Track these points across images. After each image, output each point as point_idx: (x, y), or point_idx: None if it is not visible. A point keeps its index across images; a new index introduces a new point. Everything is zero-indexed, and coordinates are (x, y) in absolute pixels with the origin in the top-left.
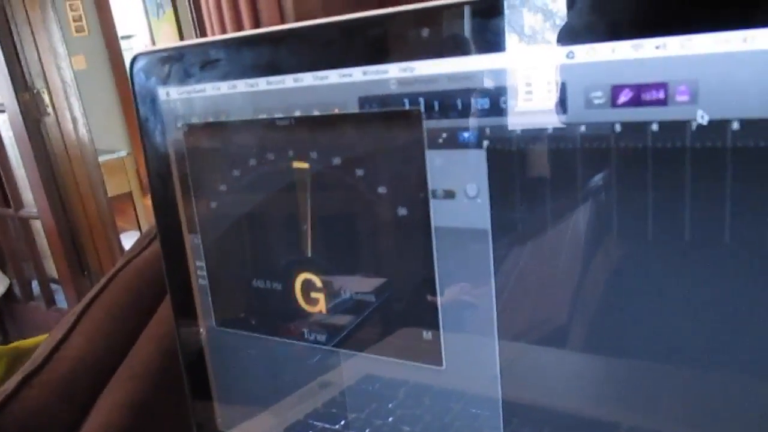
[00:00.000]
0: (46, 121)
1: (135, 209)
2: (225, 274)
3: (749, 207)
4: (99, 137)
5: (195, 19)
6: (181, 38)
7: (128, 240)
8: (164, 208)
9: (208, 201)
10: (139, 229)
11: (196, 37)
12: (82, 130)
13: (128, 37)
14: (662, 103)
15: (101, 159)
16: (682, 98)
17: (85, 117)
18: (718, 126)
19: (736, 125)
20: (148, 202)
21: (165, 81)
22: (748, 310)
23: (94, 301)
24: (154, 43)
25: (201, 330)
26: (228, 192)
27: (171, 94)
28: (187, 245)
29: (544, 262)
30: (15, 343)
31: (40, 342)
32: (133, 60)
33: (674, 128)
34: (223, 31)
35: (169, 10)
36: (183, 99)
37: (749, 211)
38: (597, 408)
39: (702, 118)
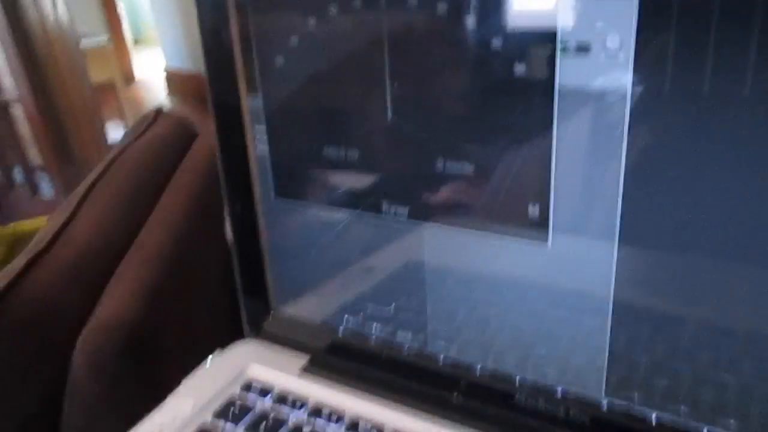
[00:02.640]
0: (23, 1)
1: (118, 99)
2: (291, 140)
3: None
4: (78, 22)
5: None
6: None
7: (113, 131)
8: (218, 64)
9: (274, 56)
10: (123, 119)
11: None
12: (61, 10)
13: None
14: None
15: (82, 44)
16: None
17: None
18: None
19: None
20: (132, 92)
21: None
22: None
23: (95, 185)
24: None
25: (255, 201)
26: (300, 46)
27: None
28: (245, 107)
29: (690, 145)
30: (12, 225)
31: (40, 225)
32: None
33: None
34: None
35: None
36: None
37: None
38: (714, 319)
39: None
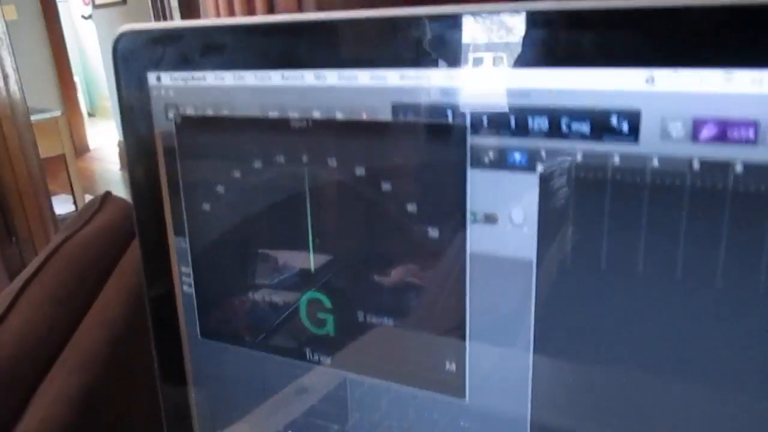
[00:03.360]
0: None
1: (68, 172)
2: (216, 283)
3: None
4: (31, 95)
5: None
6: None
7: (60, 204)
8: (147, 206)
9: (201, 202)
10: (72, 193)
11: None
12: (14, 87)
13: None
14: (751, 142)
15: (33, 118)
16: None
17: (18, 73)
18: None
19: None
20: (85, 164)
21: (157, 64)
22: None
23: (32, 279)
24: None
25: (182, 339)
26: (226, 194)
27: (163, 80)
28: (172, 248)
29: (593, 303)
30: None
31: None
32: (119, 37)
33: (762, 172)
34: (226, 11)
35: None
36: (178, 86)
37: None
38: None
39: None
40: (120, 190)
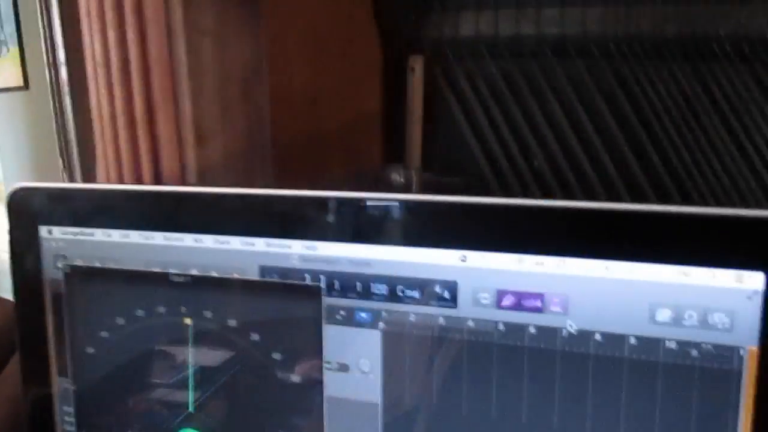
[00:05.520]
0: None
1: None
2: (98, 424)
3: (606, 406)
4: None
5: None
6: (26, 85)
7: None
8: (32, 347)
9: (85, 345)
10: None
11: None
12: None
13: None
14: (539, 310)
15: None
16: (555, 308)
17: None
18: (584, 335)
19: (598, 336)
20: None
21: (48, 218)
22: None
23: None
24: None
25: None
26: (109, 339)
27: (54, 233)
28: (55, 388)
29: None
30: None
31: None
32: (14, 192)
33: (548, 333)
34: (116, 174)
35: (14, 50)
36: (67, 239)
37: (606, 408)
38: None
39: (571, 326)
40: (6, 280)
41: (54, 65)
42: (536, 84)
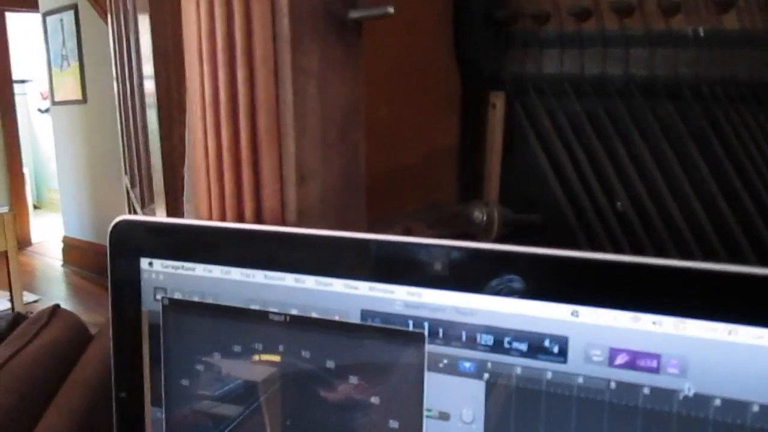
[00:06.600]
0: None
1: (8, 269)
2: None
3: None
4: None
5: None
6: (84, 97)
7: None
8: (127, 376)
9: (179, 377)
10: (10, 290)
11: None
12: None
13: (23, 81)
14: (654, 371)
15: None
16: (672, 370)
17: None
18: (702, 399)
19: (718, 402)
20: (24, 258)
21: (150, 251)
22: None
23: None
24: (52, 94)
25: None
26: (204, 373)
27: (154, 266)
28: (147, 417)
29: None
30: None
31: None
32: (117, 224)
33: (664, 395)
34: (218, 212)
35: (75, 65)
36: (168, 272)
37: None
38: None
39: (689, 390)
40: (61, 286)
41: (121, 80)
42: (622, 124)
